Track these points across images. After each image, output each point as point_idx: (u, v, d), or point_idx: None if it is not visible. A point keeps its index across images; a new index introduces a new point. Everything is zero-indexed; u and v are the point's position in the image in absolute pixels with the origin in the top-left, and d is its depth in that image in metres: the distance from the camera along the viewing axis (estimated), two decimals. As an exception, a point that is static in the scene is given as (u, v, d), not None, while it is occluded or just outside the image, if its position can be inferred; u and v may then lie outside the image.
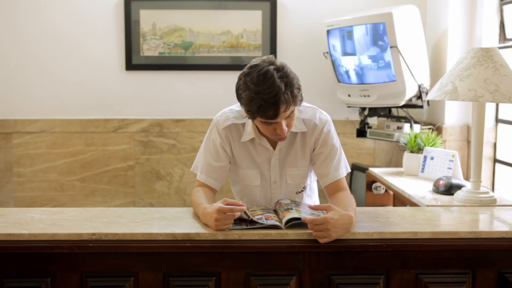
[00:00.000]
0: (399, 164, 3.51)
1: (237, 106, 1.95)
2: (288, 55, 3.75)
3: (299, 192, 2.00)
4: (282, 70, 1.70)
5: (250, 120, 1.88)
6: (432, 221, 1.84)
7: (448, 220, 1.91)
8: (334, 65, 3.61)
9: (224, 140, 1.91)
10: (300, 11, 3.80)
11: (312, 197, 2.09)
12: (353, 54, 3.43)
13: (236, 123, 1.90)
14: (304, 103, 1.93)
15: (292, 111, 1.74)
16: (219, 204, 1.65)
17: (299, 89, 1.73)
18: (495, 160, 3.30)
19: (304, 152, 1.92)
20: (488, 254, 1.68)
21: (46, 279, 1.61)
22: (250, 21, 3.78)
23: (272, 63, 1.72)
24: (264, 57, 1.75)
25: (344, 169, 1.91)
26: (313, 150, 1.92)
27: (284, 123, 1.74)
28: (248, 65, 1.75)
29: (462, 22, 3.40)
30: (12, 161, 3.84)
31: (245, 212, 1.69)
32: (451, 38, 3.42)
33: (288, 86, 1.68)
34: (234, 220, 1.67)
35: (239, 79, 1.74)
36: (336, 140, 1.92)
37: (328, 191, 1.89)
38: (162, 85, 3.85)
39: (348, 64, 3.51)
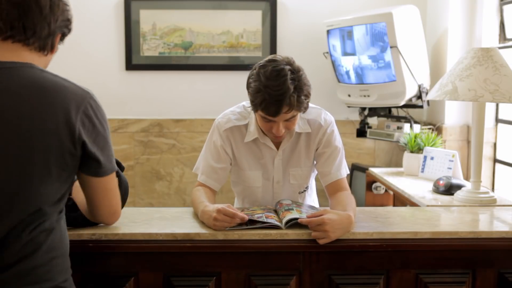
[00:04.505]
0: (399, 164, 3.51)
1: (238, 107, 1.95)
2: (288, 55, 3.74)
3: (302, 192, 2.00)
4: (297, 73, 1.71)
5: (253, 120, 1.88)
6: (432, 221, 1.84)
7: (448, 220, 1.91)
8: (334, 65, 3.61)
9: (225, 142, 1.91)
10: (300, 11, 3.80)
11: (311, 196, 2.10)
12: (353, 54, 3.43)
13: (238, 125, 1.91)
14: (309, 104, 1.94)
15: (294, 116, 1.75)
16: (222, 206, 1.64)
17: (307, 96, 1.73)
18: (495, 160, 3.30)
19: (308, 152, 1.93)
20: (488, 254, 1.68)
21: (46, 279, 1.61)
22: (250, 21, 3.78)
23: (290, 64, 1.73)
24: (284, 56, 1.76)
25: (344, 170, 1.92)
26: (316, 149, 1.92)
27: (282, 125, 1.75)
28: (267, 58, 1.76)
29: (462, 22, 3.40)
30: (12, 161, 3.83)
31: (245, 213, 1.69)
32: (451, 38, 3.42)
33: (297, 90, 1.69)
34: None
35: (254, 68, 1.76)
36: (339, 141, 1.93)
37: (329, 191, 1.90)
38: (162, 85, 3.85)
39: (348, 64, 3.51)
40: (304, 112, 1.78)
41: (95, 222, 1.57)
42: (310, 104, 1.94)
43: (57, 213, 1.32)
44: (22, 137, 1.23)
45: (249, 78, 1.77)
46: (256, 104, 1.71)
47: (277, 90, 1.66)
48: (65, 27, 1.38)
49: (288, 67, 1.70)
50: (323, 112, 1.94)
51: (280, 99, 1.66)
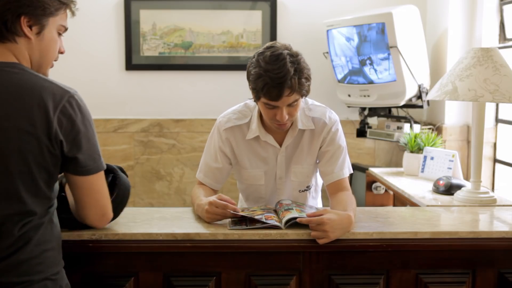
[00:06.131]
0: (399, 164, 3.51)
1: (240, 106, 1.96)
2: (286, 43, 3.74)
3: (303, 191, 2.00)
4: (295, 57, 1.73)
5: (255, 118, 1.89)
6: (432, 221, 1.84)
7: (448, 220, 1.91)
8: (334, 65, 3.61)
9: (224, 143, 1.91)
10: (300, 11, 3.80)
11: (316, 199, 2.10)
12: (354, 54, 3.43)
13: (239, 124, 1.91)
14: (314, 102, 1.95)
15: (296, 100, 1.75)
16: (213, 198, 1.68)
17: (307, 79, 1.75)
18: (495, 160, 3.30)
19: (310, 150, 1.92)
20: (488, 254, 1.68)
21: (46, 279, 1.61)
22: (250, 21, 3.78)
23: (288, 48, 1.75)
24: (282, 43, 1.78)
25: (347, 169, 1.92)
26: (320, 147, 1.92)
27: (285, 110, 1.75)
28: (265, 45, 1.78)
29: (462, 22, 3.40)
30: (12, 161, 3.83)
31: (244, 213, 1.69)
32: (451, 38, 3.42)
33: (297, 72, 1.70)
34: (233, 220, 1.67)
35: (253, 57, 1.77)
36: (343, 140, 1.93)
37: (330, 190, 1.90)
38: (162, 85, 3.85)
39: (348, 64, 3.50)
40: (306, 95, 1.79)
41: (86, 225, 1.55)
42: (316, 103, 1.95)
43: (46, 209, 1.34)
44: (0, 136, 1.25)
45: (248, 67, 1.78)
46: (258, 90, 1.72)
47: (277, 73, 1.68)
48: (24, 7, 1.30)
49: (286, 51, 1.72)
50: (328, 110, 1.94)
51: (281, 82, 1.68)
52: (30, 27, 1.33)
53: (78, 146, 1.33)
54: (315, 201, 2.09)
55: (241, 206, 2.12)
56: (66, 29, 1.43)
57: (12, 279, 1.27)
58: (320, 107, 1.94)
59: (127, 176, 1.68)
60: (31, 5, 1.31)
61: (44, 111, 1.27)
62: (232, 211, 1.66)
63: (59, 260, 1.39)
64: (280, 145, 1.92)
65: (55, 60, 1.43)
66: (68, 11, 1.41)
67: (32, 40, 1.34)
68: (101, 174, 1.41)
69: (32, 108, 1.26)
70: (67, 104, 1.30)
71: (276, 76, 1.67)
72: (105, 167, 1.42)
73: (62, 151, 1.31)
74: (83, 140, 1.34)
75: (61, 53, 1.45)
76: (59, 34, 1.42)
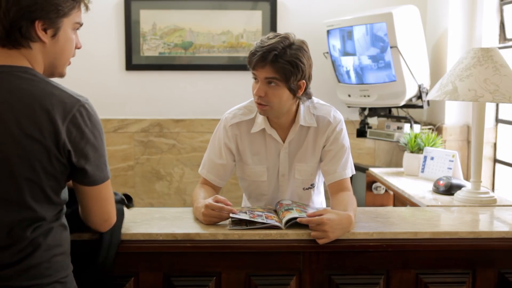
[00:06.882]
0: (399, 164, 3.51)
1: (245, 103, 1.97)
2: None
3: (307, 189, 2.00)
4: (294, 44, 1.75)
5: None
6: (432, 221, 1.84)
7: (448, 220, 1.91)
8: (334, 65, 3.61)
9: (230, 138, 1.92)
10: (300, 11, 3.80)
11: (319, 197, 2.10)
12: (353, 54, 3.43)
13: (244, 119, 1.92)
14: (319, 101, 1.96)
15: (274, 80, 1.75)
16: (209, 200, 1.69)
17: (292, 65, 1.73)
18: (495, 160, 3.30)
19: (315, 148, 1.93)
20: (488, 254, 1.68)
21: (46, 279, 1.61)
22: (250, 21, 3.78)
23: (295, 39, 1.77)
24: (297, 37, 1.81)
25: (350, 170, 1.92)
26: (323, 146, 1.92)
27: (261, 85, 1.77)
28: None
29: (462, 22, 3.40)
30: (12, 161, 3.83)
31: (245, 212, 1.69)
32: (451, 38, 3.42)
33: (284, 54, 1.72)
34: (234, 221, 1.67)
35: None
36: (346, 140, 1.93)
37: (331, 190, 1.90)
38: (162, 85, 3.85)
39: (348, 64, 3.51)
40: (287, 81, 1.75)
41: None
42: (321, 101, 1.95)
43: (55, 214, 1.34)
44: (7, 142, 1.24)
45: None
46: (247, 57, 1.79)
47: (264, 43, 1.73)
48: (37, 11, 1.28)
49: (290, 36, 1.75)
50: (332, 109, 1.94)
51: (261, 51, 1.72)
52: (44, 30, 1.31)
53: (86, 157, 1.31)
54: (318, 201, 2.09)
55: (244, 204, 2.13)
56: (81, 25, 1.43)
57: (22, 283, 1.28)
58: (326, 106, 1.95)
59: (131, 203, 1.66)
60: (43, 9, 1.29)
61: (53, 120, 1.25)
62: (228, 213, 1.66)
63: (68, 263, 1.39)
64: (284, 141, 1.92)
65: (73, 56, 1.42)
66: (82, 6, 1.42)
67: (46, 43, 1.33)
68: (108, 182, 1.40)
69: (41, 116, 1.25)
70: (77, 114, 1.29)
71: (261, 45, 1.73)
72: (110, 176, 1.41)
73: (70, 160, 1.30)
74: (91, 151, 1.32)
75: (78, 48, 1.43)
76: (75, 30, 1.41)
